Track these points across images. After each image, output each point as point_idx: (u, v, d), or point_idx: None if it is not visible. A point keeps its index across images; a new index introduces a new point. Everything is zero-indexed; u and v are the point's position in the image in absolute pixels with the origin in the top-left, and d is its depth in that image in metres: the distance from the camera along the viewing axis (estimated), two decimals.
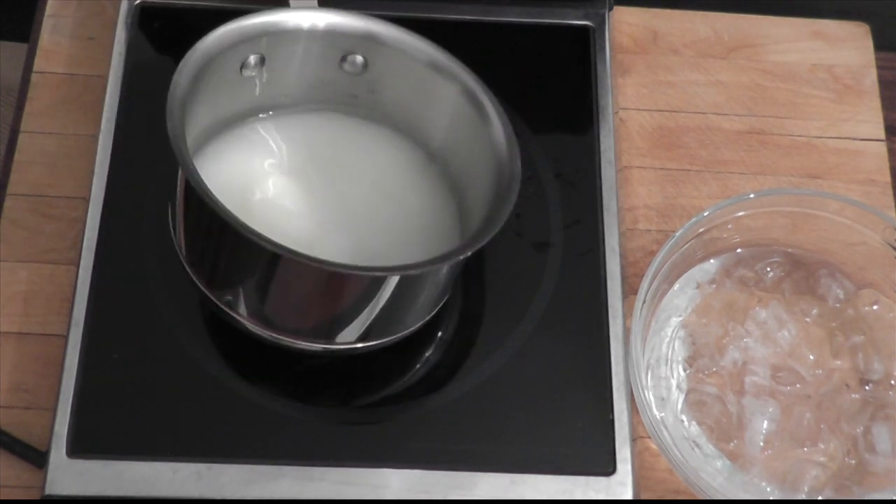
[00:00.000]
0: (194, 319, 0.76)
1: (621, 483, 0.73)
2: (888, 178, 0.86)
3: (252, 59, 0.74)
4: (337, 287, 0.69)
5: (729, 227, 0.80)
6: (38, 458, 0.72)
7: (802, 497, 0.74)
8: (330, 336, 0.73)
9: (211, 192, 0.65)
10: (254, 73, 0.75)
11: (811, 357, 0.78)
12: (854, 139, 0.87)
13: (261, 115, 0.78)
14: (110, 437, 0.72)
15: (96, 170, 0.79)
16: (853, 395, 0.77)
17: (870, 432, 0.76)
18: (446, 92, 0.74)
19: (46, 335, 0.77)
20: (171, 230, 0.73)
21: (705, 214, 0.78)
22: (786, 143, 0.87)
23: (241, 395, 0.74)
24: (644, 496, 0.75)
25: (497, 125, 0.72)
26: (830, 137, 0.87)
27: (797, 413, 0.76)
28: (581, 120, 0.84)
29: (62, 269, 0.79)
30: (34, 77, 0.85)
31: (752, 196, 0.79)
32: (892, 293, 0.79)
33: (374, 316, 0.71)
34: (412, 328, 0.74)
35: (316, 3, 0.74)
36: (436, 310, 0.75)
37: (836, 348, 0.79)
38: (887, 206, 0.85)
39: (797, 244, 0.82)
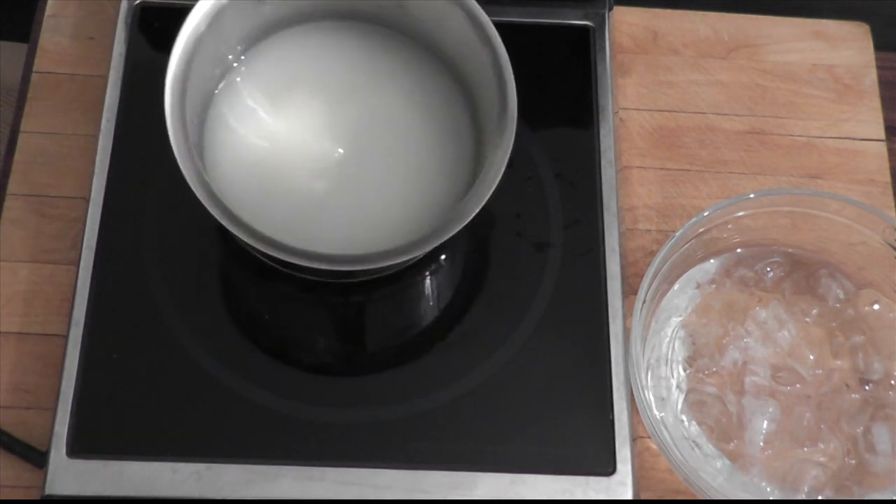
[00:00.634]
0: (194, 319, 0.76)
1: (621, 483, 0.73)
2: (888, 178, 0.86)
3: None
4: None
5: (729, 227, 0.80)
6: (38, 458, 0.72)
7: (802, 497, 0.74)
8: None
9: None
10: None
11: (811, 357, 0.78)
12: (854, 139, 0.87)
13: (286, 29, 0.79)
14: (110, 437, 0.72)
15: (96, 170, 0.79)
16: (853, 395, 0.77)
17: (870, 432, 0.76)
18: (452, 12, 0.74)
19: (46, 335, 0.77)
20: None
21: (705, 214, 0.78)
22: (786, 143, 0.87)
23: (241, 395, 0.74)
24: (644, 496, 0.75)
25: (511, 97, 0.72)
26: (830, 137, 0.87)
27: (797, 413, 0.76)
28: (581, 120, 0.84)
29: (62, 269, 0.79)
30: (34, 77, 0.85)
31: (752, 196, 0.79)
32: (892, 293, 0.79)
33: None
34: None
35: None
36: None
37: (836, 348, 0.79)
38: (887, 206, 0.85)
39: (797, 244, 0.82)
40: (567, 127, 0.84)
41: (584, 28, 0.88)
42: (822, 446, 0.76)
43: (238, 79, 0.78)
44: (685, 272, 0.80)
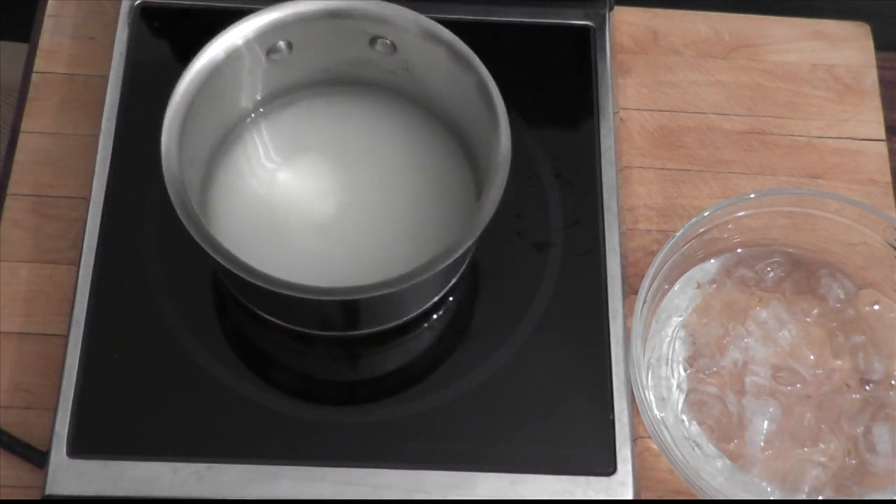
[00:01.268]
0: (194, 319, 0.76)
1: (622, 483, 0.73)
2: (888, 178, 0.86)
3: (281, 44, 0.75)
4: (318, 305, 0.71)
5: (729, 227, 0.80)
6: (38, 458, 0.72)
7: (802, 497, 0.74)
8: (326, 328, 0.75)
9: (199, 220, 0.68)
10: (283, 57, 0.76)
11: (811, 357, 0.78)
12: (854, 139, 0.87)
13: (293, 95, 0.81)
14: (110, 437, 0.72)
15: (96, 170, 0.79)
16: (853, 395, 0.77)
17: (870, 432, 0.76)
18: (464, 82, 0.74)
19: (47, 335, 0.77)
20: None
21: (706, 214, 0.78)
22: (786, 143, 0.87)
23: (241, 395, 0.74)
24: (644, 496, 0.75)
25: (503, 129, 0.72)
26: (831, 137, 0.87)
27: (797, 413, 0.76)
28: (581, 120, 0.84)
29: (62, 269, 0.79)
30: (34, 77, 0.85)
31: (752, 196, 0.79)
32: (893, 293, 0.79)
33: (367, 310, 0.73)
34: (412, 314, 0.75)
35: None
36: (437, 297, 0.76)
37: (836, 348, 0.79)
38: (888, 207, 0.85)
39: (797, 244, 0.82)
40: (567, 127, 0.84)
41: (585, 28, 0.88)
42: (822, 446, 0.76)
43: (253, 130, 0.80)
44: (686, 272, 0.80)
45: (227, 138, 0.79)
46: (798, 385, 0.77)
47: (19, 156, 0.82)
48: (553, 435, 0.74)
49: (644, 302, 0.75)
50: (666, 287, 0.79)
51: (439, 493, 0.72)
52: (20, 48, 0.89)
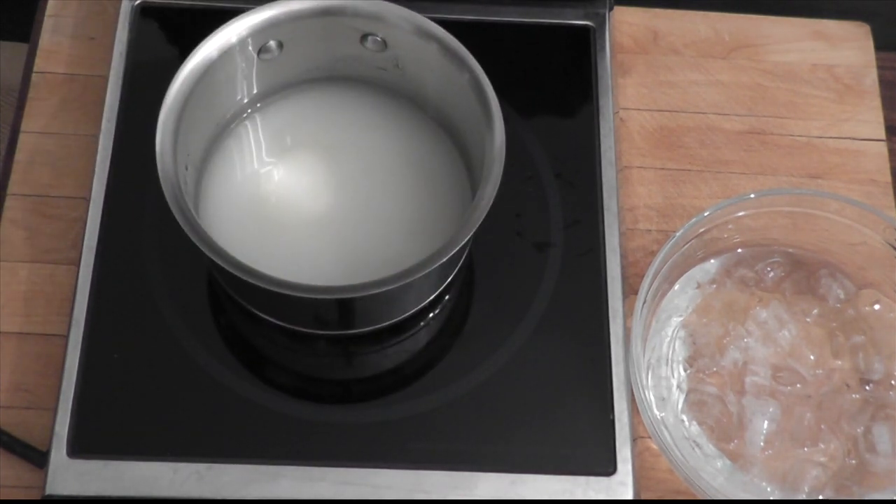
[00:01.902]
0: (194, 319, 0.76)
1: (622, 483, 0.73)
2: (888, 179, 0.86)
3: (272, 43, 0.76)
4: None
5: (729, 227, 0.80)
6: (38, 458, 0.72)
7: (802, 497, 0.74)
8: (321, 327, 0.75)
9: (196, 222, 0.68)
10: (274, 56, 0.77)
11: (811, 357, 0.78)
12: (854, 139, 0.87)
13: (284, 92, 0.81)
14: (110, 437, 0.72)
15: (96, 170, 0.79)
16: (853, 395, 0.77)
17: (870, 432, 0.76)
18: (457, 78, 0.74)
19: (47, 335, 0.77)
20: None
21: (706, 214, 0.78)
22: (786, 143, 0.87)
23: (241, 395, 0.74)
24: (644, 496, 0.75)
25: (497, 125, 0.72)
26: (831, 137, 0.87)
27: (797, 413, 0.76)
28: (581, 120, 0.84)
29: (62, 269, 0.79)
30: (34, 77, 0.85)
31: (752, 196, 0.79)
32: (893, 293, 0.79)
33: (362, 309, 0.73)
34: (409, 312, 0.75)
35: None
36: (433, 294, 0.76)
37: (836, 348, 0.79)
38: (888, 207, 0.85)
39: (797, 244, 0.82)
40: (567, 127, 0.84)
41: (585, 28, 0.88)
42: (822, 446, 0.75)
43: (245, 128, 0.80)
44: (686, 272, 0.80)
45: (221, 137, 0.79)
46: (798, 385, 0.77)
47: (19, 156, 0.82)
48: (553, 435, 0.74)
49: (644, 302, 0.75)
50: (666, 287, 0.79)
51: (439, 493, 0.72)
52: (20, 48, 0.89)
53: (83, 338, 0.75)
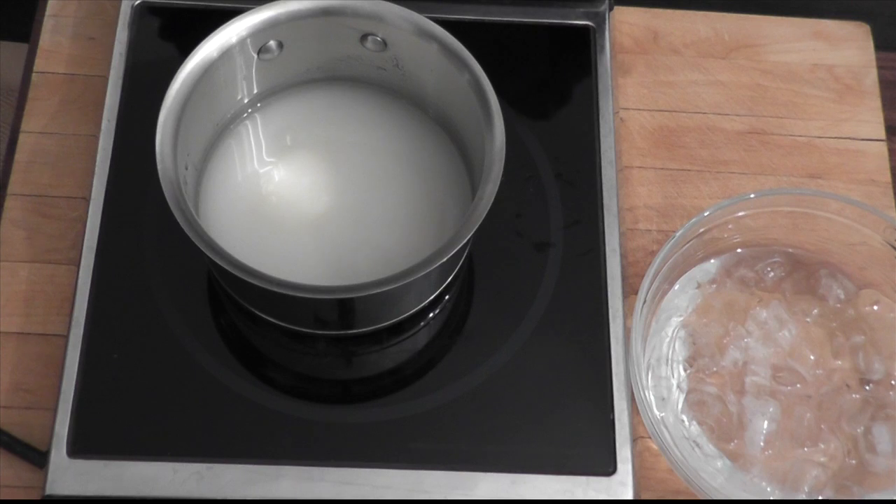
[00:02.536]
0: (194, 319, 0.76)
1: (622, 483, 0.73)
2: (888, 179, 0.86)
3: (272, 43, 0.76)
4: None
5: (729, 227, 0.80)
6: (38, 458, 0.72)
7: (802, 497, 0.74)
8: (321, 327, 0.75)
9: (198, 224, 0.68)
10: (274, 56, 0.77)
11: (812, 357, 0.78)
12: (854, 139, 0.87)
13: (284, 92, 0.81)
14: (110, 437, 0.72)
15: (96, 170, 0.79)
16: (854, 396, 0.77)
17: (870, 432, 0.76)
18: (457, 79, 0.74)
19: (47, 335, 0.77)
20: None
21: (706, 214, 0.78)
22: (786, 143, 0.87)
23: (241, 395, 0.74)
24: (644, 496, 0.75)
25: (497, 125, 0.72)
26: (831, 137, 0.87)
27: (798, 413, 0.76)
28: (581, 120, 0.84)
29: (62, 269, 0.79)
30: (34, 77, 0.85)
31: (752, 196, 0.79)
32: (893, 293, 0.79)
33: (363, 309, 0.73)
34: (410, 311, 0.75)
35: None
36: (433, 294, 0.75)
37: (836, 348, 0.79)
38: (888, 207, 0.85)
39: (798, 244, 0.82)
40: (567, 127, 0.84)
41: (585, 28, 0.88)
42: (822, 446, 0.75)
43: (245, 128, 0.80)
44: (686, 272, 0.80)
45: (221, 137, 0.79)
46: (798, 385, 0.77)
47: (19, 156, 0.82)
48: (553, 435, 0.74)
49: (644, 302, 0.75)
50: (666, 287, 0.79)
51: (439, 493, 0.72)
52: (20, 48, 0.89)
53: (83, 338, 0.75)
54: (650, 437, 0.74)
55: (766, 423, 0.76)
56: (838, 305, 0.80)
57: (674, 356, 0.78)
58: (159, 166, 0.69)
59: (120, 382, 0.74)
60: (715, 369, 0.78)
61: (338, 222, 0.77)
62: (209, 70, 0.73)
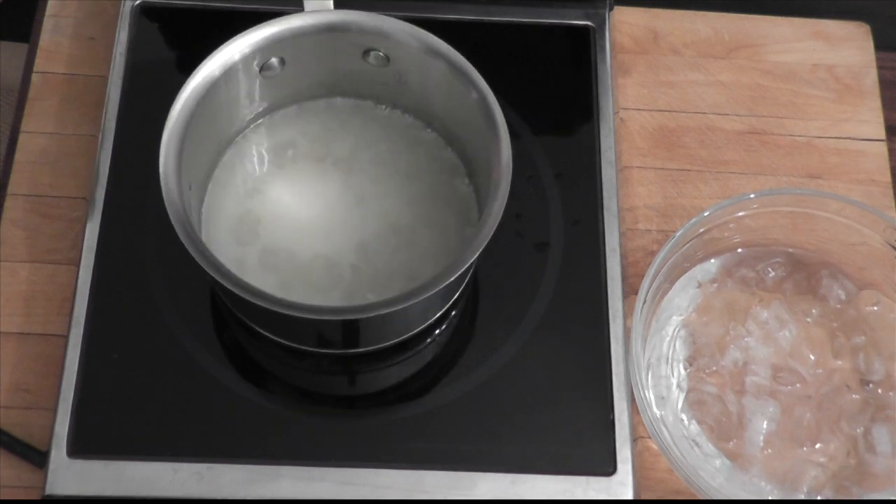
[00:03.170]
0: (194, 319, 0.76)
1: (622, 483, 0.73)
2: (889, 179, 0.86)
3: (274, 61, 0.75)
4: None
5: (730, 227, 0.80)
6: (38, 458, 0.72)
7: (801, 497, 0.74)
8: (331, 346, 0.75)
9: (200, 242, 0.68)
10: (276, 73, 0.76)
11: (812, 357, 0.78)
12: (854, 139, 0.87)
13: (287, 108, 0.81)
14: (110, 437, 0.72)
15: (96, 170, 0.79)
16: (854, 396, 0.77)
17: (870, 433, 0.76)
18: (463, 96, 0.74)
19: (47, 335, 0.77)
20: None
21: (706, 214, 0.78)
22: (786, 143, 0.87)
23: (241, 395, 0.74)
24: (644, 496, 0.75)
25: (504, 144, 0.72)
26: (831, 137, 0.87)
27: (797, 413, 0.76)
28: (581, 120, 0.84)
29: (62, 269, 0.79)
30: (34, 77, 0.85)
31: (752, 196, 0.79)
32: (893, 294, 0.79)
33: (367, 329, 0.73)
34: (411, 332, 0.75)
35: (331, 4, 0.75)
36: (440, 312, 0.75)
37: (836, 349, 0.79)
38: (888, 207, 0.85)
39: (798, 244, 0.82)
40: (567, 127, 0.84)
41: (585, 28, 0.88)
42: (822, 446, 0.76)
43: (248, 144, 0.80)
44: (686, 272, 0.80)
45: (223, 153, 0.79)
46: (798, 385, 0.77)
47: (19, 156, 0.82)
48: (553, 435, 0.74)
49: (644, 302, 0.75)
50: (666, 287, 0.79)
51: (439, 493, 0.72)
52: (20, 48, 0.89)
53: (83, 338, 0.75)
54: (650, 437, 0.74)
55: (765, 422, 0.75)
56: (839, 306, 0.80)
57: (674, 355, 0.78)
58: (163, 188, 0.69)
59: (120, 382, 0.74)
60: (715, 369, 0.78)
61: (341, 238, 0.77)
62: (212, 88, 0.72)
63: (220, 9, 0.86)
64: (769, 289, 0.81)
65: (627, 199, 0.83)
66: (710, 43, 0.90)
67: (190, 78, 0.72)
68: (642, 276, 0.76)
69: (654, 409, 0.74)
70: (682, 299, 0.80)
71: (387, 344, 0.75)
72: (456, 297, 0.76)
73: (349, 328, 0.72)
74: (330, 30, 0.74)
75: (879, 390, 0.77)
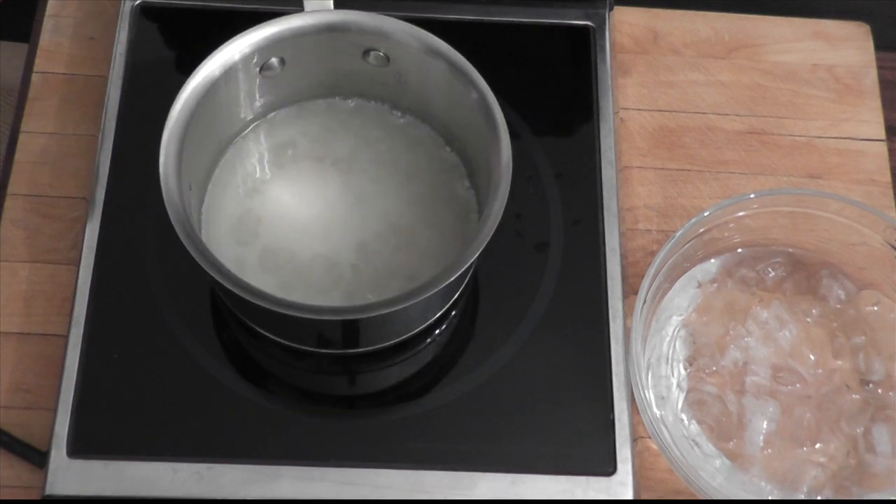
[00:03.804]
0: (194, 319, 0.76)
1: (622, 483, 0.73)
2: (888, 179, 0.86)
3: (274, 61, 0.75)
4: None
5: (730, 226, 0.80)
6: (38, 458, 0.72)
7: (801, 497, 0.74)
8: (331, 346, 0.75)
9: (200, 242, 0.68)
10: (276, 73, 0.76)
11: (812, 357, 0.78)
12: (854, 139, 0.87)
13: (287, 108, 0.80)
14: (110, 437, 0.72)
15: (96, 170, 0.79)
16: (853, 396, 0.77)
17: (870, 433, 0.76)
18: (463, 96, 0.74)
19: (47, 335, 0.77)
20: None
21: (706, 214, 0.78)
22: (786, 143, 0.87)
23: (241, 395, 0.74)
24: (644, 496, 0.75)
25: (504, 144, 0.72)
26: (831, 137, 0.87)
27: (797, 413, 0.76)
28: (581, 120, 0.84)
29: (62, 269, 0.79)
30: (34, 77, 0.85)
31: (752, 196, 0.79)
32: (893, 294, 0.79)
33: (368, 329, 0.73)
34: (411, 332, 0.75)
35: (331, 4, 0.75)
36: (440, 312, 0.75)
37: (836, 349, 0.79)
38: (888, 207, 0.85)
39: (798, 244, 0.82)
40: (567, 127, 0.84)
41: (585, 28, 0.88)
42: (822, 446, 0.76)
43: (247, 144, 0.80)
44: (686, 272, 0.80)
45: (223, 153, 0.79)
46: (798, 385, 0.77)
47: (19, 156, 0.82)
48: (553, 435, 0.74)
49: (644, 302, 0.75)
50: (666, 287, 0.79)
51: (439, 493, 0.72)
52: (20, 48, 0.89)
53: (83, 338, 0.75)
54: (650, 437, 0.74)
55: (765, 422, 0.76)
56: (839, 306, 0.80)
57: (674, 355, 0.78)
58: (163, 189, 0.69)
59: (120, 382, 0.74)
60: (715, 369, 0.78)
61: (340, 238, 0.77)
62: (212, 88, 0.72)
63: (220, 9, 0.86)
64: (769, 289, 0.81)
65: (627, 199, 0.83)
66: (710, 43, 0.90)
67: (190, 78, 0.72)
68: (642, 276, 0.76)
69: (654, 409, 0.74)
70: (682, 299, 0.80)
71: (387, 344, 0.75)
72: (456, 297, 0.76)
73: (349, 328, 0.72)
74: (330, 30, 0.74)
75: (879, 390, 0.77)
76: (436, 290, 0.67)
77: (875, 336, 0.79)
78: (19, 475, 0.73)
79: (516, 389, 0.75)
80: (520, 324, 0.77)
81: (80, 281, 0.76)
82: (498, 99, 0.73)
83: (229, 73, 0.73)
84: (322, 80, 0.79)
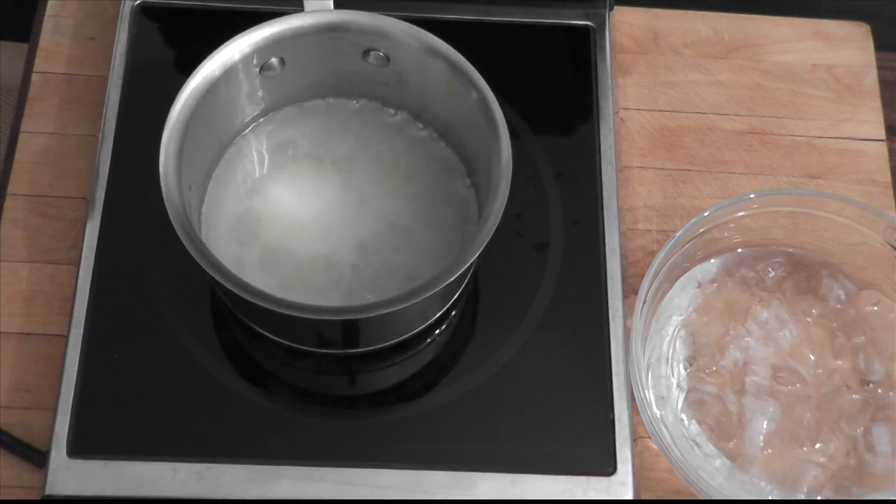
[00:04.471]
0: (194, 319, 0.76)
1: (622, 483, 0.73)
2: (888, 179, 0.86)
3: (274, 61, 0.75)
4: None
5: (730, 226, 0.80)
6: (38, 458, 0.72)
7: (801, 497, 0.74)
8: (331, 346, 0.75)
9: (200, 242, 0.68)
10: (276, 73, 0.76)
11: (812, 357, 0.78)
12: (854, 139, 0.87)
13: (287, 108, 0.80)
14: (110, 437, 0.72)
15: (96, 170, 0.79)
16: (853, 396, 0.77)
17: (870, 433, 0.76)
18: (463, 96, 0.74)
19: (46, 335, 0.77)
20: None
21: (706, 214, 0.78)
22: (786, 143, 0.87)
23: (241, 395, 0.74)
24: (644, 496, 0.75)
25: (504, 144, 0.72)
26: (831, 137, 0.87)
27: (797, 413, 0.76)
28: (581, 120, 0.84)
29: (62, 269, 0.79)
30: (34, 77, 0.85)
31: (752, 196, 0.79)
32: (893, 294, 0.79)
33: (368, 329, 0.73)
34: (411, 332, 0.75)
35: (331, 4, 0.75)
36: (440, 312, 0.75)
37: (836, 349, 0.79)
38: (888, 207, 0.85)
39: (798, 244, 0.82)
40: (567, 127, 0.84)
41: (585, 28, 0.88)
42: (822, 446, 0.76)
43: (247, 144, 0.80)
44: (686, 272, 0.80)
45: (223, 153, 0.79)
46: (798, 385, 0.77)
47: (19, 156, 0.82)
48: (553, 435, 0.74)
49: (644, 302, 0.75)
50: (666, 287, 0.79)
51: (439, 493, 0.72)
52: (20, 48, 0.89)
53: (83, 338, 0.75)
54: (650, 437, 0.74)
55: (765, 422, 0.76)
56: (839, 306, 0.80)
57: (674, 355, 0.78)
58: (163, 189, 0.69)
59: (120, 382, 0.74)
60: (715, 369, 0.78)
61: (340, 238, 0.77)
62: (212, 88, 0.72)
63: (220, 9, 0.86)
64: (769, 289, 0.81)
65: (627, 199, 0.83)
66: (710, 43, 0.90)
67: (190, 78, 0.72)
68: (642, 276, 0.76)
69: (654, 409, 0.74)
70: (682, 299, 0.80)
71: (387, 344, 0.75)
72: (456, 297, 0.76)
73: (349, 328, 0.72)
74: (330, 30, 0.74)
75: (879, 390, 0.77)
76: (436, 290, 0.67)
77: (875, 336, 0.79)
78: (19, 475, 0.73)
79: (516, 389, 0.75)
80: (520, 324, 0.77)
81: (80, 281, 0.76)
82: (498, 99, 0.73)
83: (229, 73, 0.73)
84: (322, 80, 0.79)
